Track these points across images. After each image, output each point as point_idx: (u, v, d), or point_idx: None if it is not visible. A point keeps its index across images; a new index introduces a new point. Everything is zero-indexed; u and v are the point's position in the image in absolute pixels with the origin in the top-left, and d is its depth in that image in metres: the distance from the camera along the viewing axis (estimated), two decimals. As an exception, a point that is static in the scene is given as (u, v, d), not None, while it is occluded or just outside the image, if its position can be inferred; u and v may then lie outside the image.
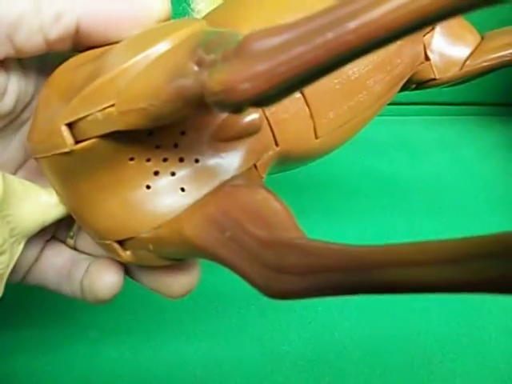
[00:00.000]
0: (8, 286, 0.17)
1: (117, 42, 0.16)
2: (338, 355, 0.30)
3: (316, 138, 0.19)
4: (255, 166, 0.18)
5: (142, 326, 0.30)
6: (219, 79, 0.11)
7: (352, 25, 0.10)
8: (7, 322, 0.28)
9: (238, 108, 0.11)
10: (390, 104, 0.22)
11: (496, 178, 0.40)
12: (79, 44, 0.17)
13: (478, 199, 0.38)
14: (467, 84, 0.25)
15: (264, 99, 0.11)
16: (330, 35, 0.10)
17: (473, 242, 0.10)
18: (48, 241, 0.20)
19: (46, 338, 0.28)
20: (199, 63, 0.12)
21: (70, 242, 0.20)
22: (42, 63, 0.18)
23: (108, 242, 0.17)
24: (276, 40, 0.11)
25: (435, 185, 0.39)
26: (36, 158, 0.17)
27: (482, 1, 0.09)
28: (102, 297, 0.19)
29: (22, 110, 0.18)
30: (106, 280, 0.19)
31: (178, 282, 0.19)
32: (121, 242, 0.17)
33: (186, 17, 0.24)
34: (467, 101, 0.43)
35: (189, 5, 0.24)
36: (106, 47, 0.16)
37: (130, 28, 0.16)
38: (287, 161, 0.19)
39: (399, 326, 0.31)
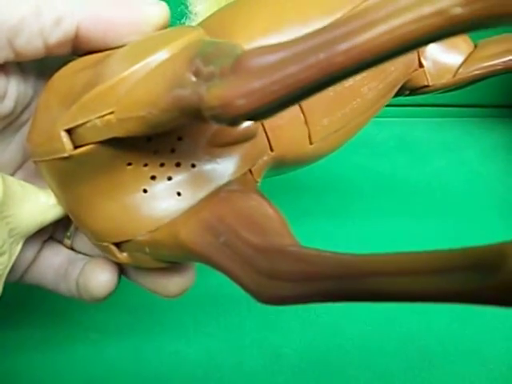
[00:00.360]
0: (8, 285, 0.18)
1: (116, 47, 0.17)
2: (339, 357, 0.30)
3: (310, 143, 0.19)
4: (250, 170, 0.18)
5: (142, 327, 0.30)
6: (216, 94, 0.11)
7: (342, 47, 0.10)
8: (7, 322, 0.28)
9: (234, 122, 0.12)
10: (391, 106, 0.22)
11: (497, 179, 0.40)
12: (79, 48, 0.17)
13: (480, 201, 0.38)
14: (468, 86, 0.25)
15: (259, 114, 0.11)
16: (321, 56, 0.10)
17: (457, 254, 0.10)
18: (46, 241, 0.20)
19: (46, 338, 0.29)
20: (197, 74, 0.13)
21: (67, 242, 0.20)
22: (41, 66, 0.18)
23: (105, 243, 0.17)
24: (272, 58, 0.11)
25: (437, 186, 0.39)
26: (35, 161, 0.17)
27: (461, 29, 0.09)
28: (97, 295, 0.19)
29: (22, 112, 0.18)
30: (100, 279, 0.19)
31: (174, 283, 0.19)
32: (118, 244, 0.17)
33: (184, 19, 0.24)
34: (468, 103, 0.43)
35: (186, 7, 0.24)
36: (106, 52, 0.17)
37: (129, 33, 0.16)
38: (282, 165, 0.19)
39: (400, 328, 0.31)
